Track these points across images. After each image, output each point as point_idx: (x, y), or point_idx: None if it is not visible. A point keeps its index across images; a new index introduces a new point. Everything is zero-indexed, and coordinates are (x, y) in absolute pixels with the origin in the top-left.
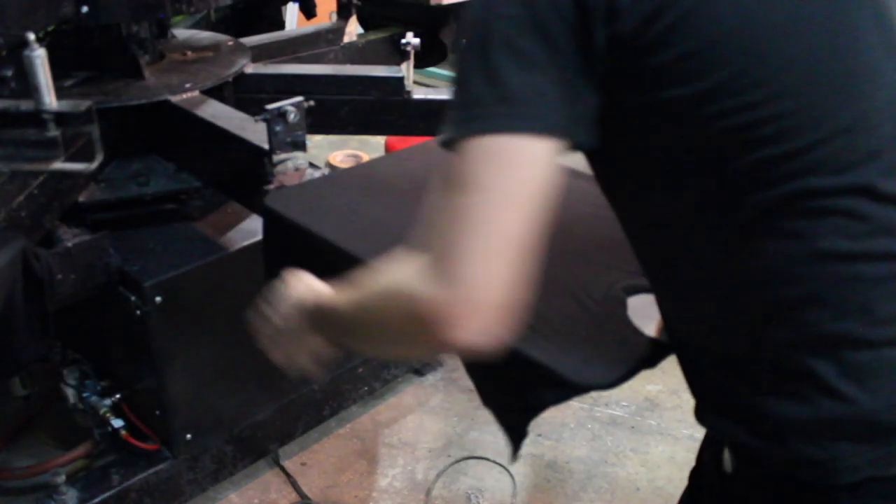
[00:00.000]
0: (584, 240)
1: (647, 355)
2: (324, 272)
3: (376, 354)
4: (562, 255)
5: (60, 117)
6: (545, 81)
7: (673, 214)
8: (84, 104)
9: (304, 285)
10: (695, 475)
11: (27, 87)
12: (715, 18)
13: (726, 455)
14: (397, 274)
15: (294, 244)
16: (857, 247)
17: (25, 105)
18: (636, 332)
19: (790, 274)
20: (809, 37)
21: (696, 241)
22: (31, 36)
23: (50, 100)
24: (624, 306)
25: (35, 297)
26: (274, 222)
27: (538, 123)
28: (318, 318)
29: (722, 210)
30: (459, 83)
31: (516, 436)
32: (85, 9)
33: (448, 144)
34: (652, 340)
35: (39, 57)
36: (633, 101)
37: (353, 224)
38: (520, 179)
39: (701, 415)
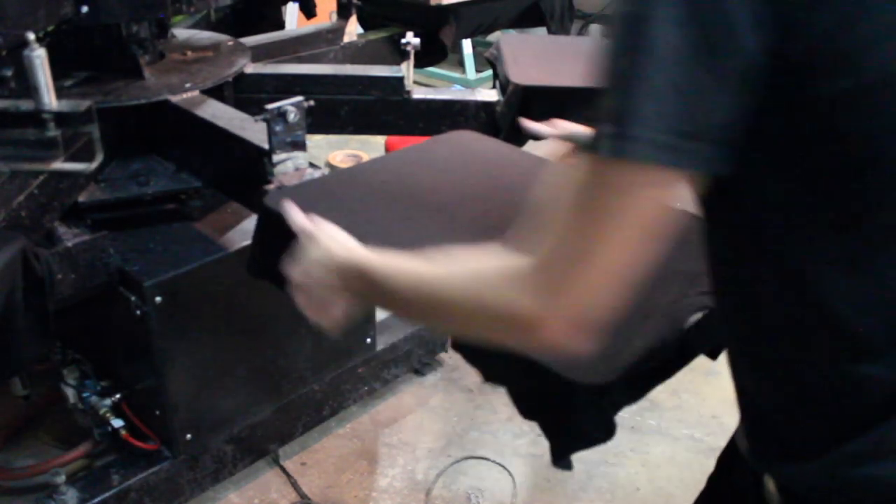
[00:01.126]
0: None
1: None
2: None
3: (434, 328)
4: None
5: (60, 117)
6: (717, 101)
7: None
8: (84, 104)
9: (338, 244)
10: (717, 485)
11: (27, 87)
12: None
13: (770, 486)
14: (497, 269)
15: (292, 244)
16: None
17: (25, 105)
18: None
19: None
20: None
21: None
22: (31, 36)
23: (50, 100)
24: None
25: (35, 297)
26: (271, 220)
27: (697, 162)
28: (365, 283)
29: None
30: (618, 83)
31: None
32: (85, 9)
33: (595, 152)
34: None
35: (39, 57)
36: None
37: (352, 224)
38: (659, 218)
39: (757, 457)
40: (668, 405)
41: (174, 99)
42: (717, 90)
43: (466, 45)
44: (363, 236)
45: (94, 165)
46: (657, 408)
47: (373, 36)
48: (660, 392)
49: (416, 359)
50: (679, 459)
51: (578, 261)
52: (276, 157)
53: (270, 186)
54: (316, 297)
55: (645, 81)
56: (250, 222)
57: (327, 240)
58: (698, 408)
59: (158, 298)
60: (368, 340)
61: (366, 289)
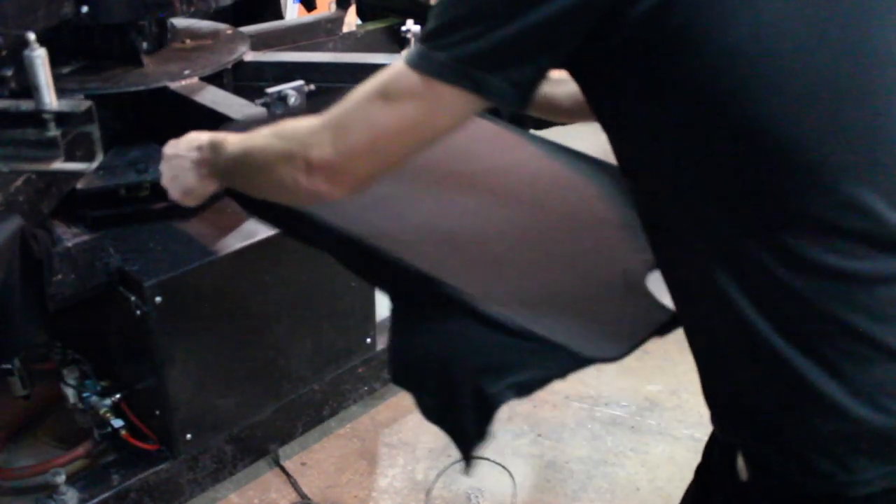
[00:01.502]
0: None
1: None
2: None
3: (250, 190)
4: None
5: (60, 117)
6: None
7: (685, 222)
8: (84, 104)
9: (204, 133)
10: (702, 472)
11: (27, 86)
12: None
13: (740, 461)
14: (299, 124)
15: (286, 225)
16: (862, 266)
17: (25, 105)
18: (655, 305)
19: (794, 290)
20: (829, 47)
21: (708, 253)
22: (32, 36)
23: (50, 100)
24: (643, 279)
25: (33, 278)
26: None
27: (492, 90)
28: (212, 150)
29: (728, 220)
30: (438, 8)
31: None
32: (85, 9)
33: (409, 61)
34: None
35: (40, 57)
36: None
37: (345, 206)
38: (436, 127)
39: (718, 423)
40: (668, 405)
41: (173, 85)
42: (523, 34)
43: None
44: (354, 218)
45: (94, 165)
46: (657, 408)
47: (372, 26)
48: (660, 392)
49: None
50: (679, 459)
51: (353, 126)
52: None
53: None
54: (174, 167)
55: (457, 15)
56: (250, 222)
57: (198, 132)
58: (698, 408)
59: (158, 298)
60: (368, 340)
61: (211, 155)
